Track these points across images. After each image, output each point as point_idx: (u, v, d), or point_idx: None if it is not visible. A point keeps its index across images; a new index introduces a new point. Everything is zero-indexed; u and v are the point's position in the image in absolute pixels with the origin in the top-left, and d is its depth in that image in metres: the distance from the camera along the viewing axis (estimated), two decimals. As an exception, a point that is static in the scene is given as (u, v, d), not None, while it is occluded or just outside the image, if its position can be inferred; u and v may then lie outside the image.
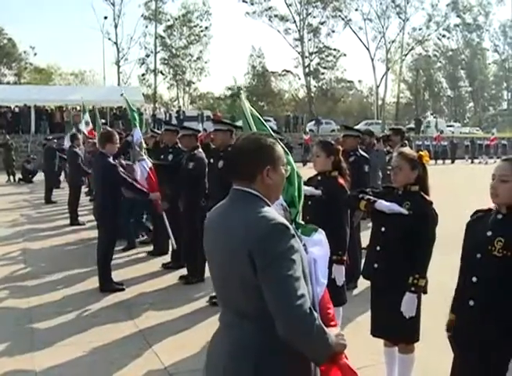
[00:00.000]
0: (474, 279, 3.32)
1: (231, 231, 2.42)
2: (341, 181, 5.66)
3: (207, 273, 8.25)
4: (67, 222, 13.78)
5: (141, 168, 8.81)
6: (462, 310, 3.40)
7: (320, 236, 3.07)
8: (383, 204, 4.41)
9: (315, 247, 2.96)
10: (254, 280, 2.32)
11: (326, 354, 2.39)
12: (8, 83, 63.59)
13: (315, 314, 2.30)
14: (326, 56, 73.27)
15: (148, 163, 8.83)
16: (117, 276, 8.43)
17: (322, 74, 75.23)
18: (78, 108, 22.06)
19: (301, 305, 2.24)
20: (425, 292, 4.44)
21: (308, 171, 5.93)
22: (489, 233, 3.30)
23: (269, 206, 2.50)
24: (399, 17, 67.91)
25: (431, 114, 79.82)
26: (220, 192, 6.92)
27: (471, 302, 3.31)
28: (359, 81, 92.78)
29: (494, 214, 3.40)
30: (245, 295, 2.40)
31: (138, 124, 9.75)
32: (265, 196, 2.52)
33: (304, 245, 2.81)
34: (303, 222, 3.17)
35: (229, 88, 75.24)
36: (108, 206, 7.92)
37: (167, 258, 9.69)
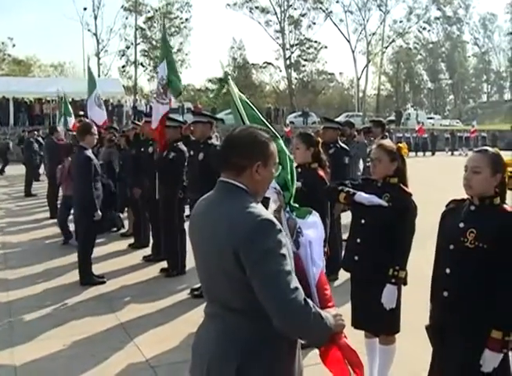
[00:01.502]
0: (448, 270, 3.36)
1: (216, 225, 2.43)
2: (321, 173, 5.68)
3: (188, 266, 8.32)
4: (47, 215, 13.69)
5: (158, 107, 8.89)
6: (437, 301, 3.45)
7: (314, 218, 3.10)
8: (362, 196, 4.42)
9: (310, 230, 3.00)
10: (239, 274, 2.34)
11: (325, 337, 2.47)
12: None
13: (311, 303, 2.33)
14: (307, 48, 73.21)
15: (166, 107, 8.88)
16: (97, 269, 8.40)
17: (303, 66, 75.21)
18: (58, 100, 21.88)
19: (295, 299, 2.27)
20: (405, 284, 4.46)
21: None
22: (462, 225, 3.34)
23: (256, 201, 2.50)
24: (380, 9, 68.16)
25: (412, 106, 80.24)
26: (200, 184, 7.02)
27: (445, 293, 3.35)
28: (340, 74, 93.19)
29: (467, 205, 3.44)
30: (230, 288, 2.41)
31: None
32: (252, 190, 2.52)
33: (299, 228, 2.85)
34: (297, 205, 3.18)
35: (210, 80, 75.09)
36: (86, 199, 7.88)
37: (148, 251, 9.69)
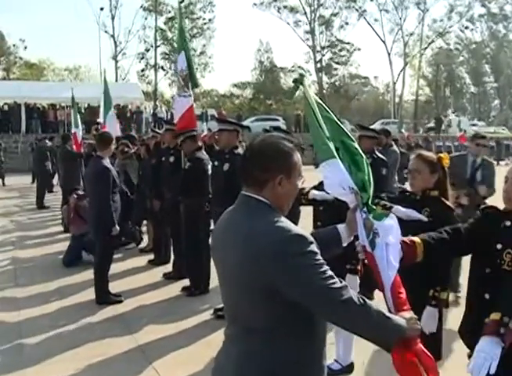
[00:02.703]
0: (487, 296, 3.28)
1: (241, 240, 2.45)
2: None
3: (212, 284, 8.33)
4: (61, 228, 13.83)
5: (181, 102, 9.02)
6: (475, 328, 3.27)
7: (391, 221, 3.13)
8: (400, 211, 4.39)
9: (387, 232, 3.03)
10: (265, 292, 2.38)
11: (394, 338, 2.53)
12: None
13: (368, 301, 2.42)
14: (339, 50, 73.06)
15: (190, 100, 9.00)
16: (114, 287, 8.46)
17: (335, 69, 75.05)
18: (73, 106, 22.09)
19: (348, 299, 2.36)
20: (447, 306, 4.41)
21: (319, 175, 5.92)
22: (499, 246, 3.26)
23: (281, 216, 2.52)
24: (418, 8, 67.91)
25: (453, 112, 79.50)
26: (225, 197, 7.02)
27: (486, 320, 3.14)
28: (375, 78, 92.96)
29: (502, 218, 3.35)
30: (253, 306, 2.45)
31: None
32: (275, 204, 2.54)
33: (375, 229, 2.90)
34: (374, 207, 3.20)
35: (235, 85, 75.38)
36: (103, 212, 7.95)
37: (168, 268, 9.73)
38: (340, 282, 2.39)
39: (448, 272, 4.31)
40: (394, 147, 11.72)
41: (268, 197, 2.52)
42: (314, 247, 2.40)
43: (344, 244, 3.07)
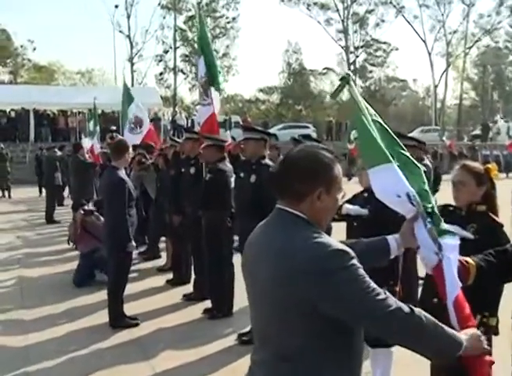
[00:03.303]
0: None
1: (275, 255, 2.48)
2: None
3: (236, 307, 8.34)
4: (71, 245, 13.87)
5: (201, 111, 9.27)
6: None
7: (454, 240, 3.15)
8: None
9: (449, 247, 3.05)
10: (301, 312, 2.41)
11: (446, 351, 2.62)
12: (2, 83, 62.94)
13: (418, 311, 2.51)
14: (375, 50, 72.97)
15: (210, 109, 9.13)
16: (130, 309, 8.49)
17: (370, 71, 75.00)
18: (86, 112, 22.28)
19: (397, 310, 2.43)
20: (496, 333, 4.36)
21: (353, 187, 5.92)
22: None
23: (320, 231, 2.55)
24: (463, 2, 67.32)
25: (502, 118, 78.55)
26: (252, 211, 7.04)
27: None
28: (414, 80, 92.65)
29: None
30: (286, 325, 2.47)
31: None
32: (313, 219, 2.56)
33: (438, 244, 3.01)
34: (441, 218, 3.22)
35: (261, 90, 75.48)
36: (118, 228, 7.99)
37: (189, 288, 9.75)
38: (385, 293, 2.44)
39: (497, 297, 4.26)
40: (426, 161, 11.66)
41: (306, 211, 2.56)
42: (356, 262, 2.44)
43: (392, 256, 3.13)
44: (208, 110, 8.99)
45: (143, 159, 12.05)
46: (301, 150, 2.66)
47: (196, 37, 10.75)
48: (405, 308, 2.45)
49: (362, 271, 2.44)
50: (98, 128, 17.50)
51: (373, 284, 2.43)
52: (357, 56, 72.15)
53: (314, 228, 2.53)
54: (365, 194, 5.62)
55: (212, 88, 9.31)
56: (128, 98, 15.05)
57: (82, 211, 11.17)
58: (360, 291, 2.39)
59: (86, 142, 17.37)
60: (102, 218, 10.35)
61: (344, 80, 3.44)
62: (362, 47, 72.11)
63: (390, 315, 2.40)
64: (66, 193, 22.69)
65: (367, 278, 2.43)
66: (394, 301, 2.43)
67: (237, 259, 7.92)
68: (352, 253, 2.46)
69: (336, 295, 2.38)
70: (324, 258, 2.38)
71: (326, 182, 2.56)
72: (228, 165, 8.67)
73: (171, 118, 43.77)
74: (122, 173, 8.20)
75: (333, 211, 2.71)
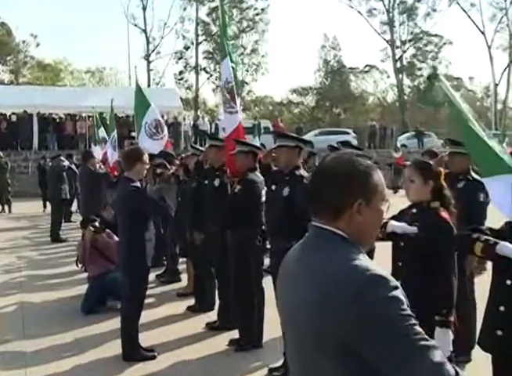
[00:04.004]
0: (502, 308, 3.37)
1: (311, 282, 2.46)
2: (445, 214, 5.60)
3: (266, 337, 8.32)
4: (80, 267, 13.91)
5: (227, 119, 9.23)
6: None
7: None
8: (507, 248, 4.33)
9: None
10: (339, 347, 2.35)
11: None
12: (2, 83, 63.14)
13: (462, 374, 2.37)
14: (425, 44, 72.33)
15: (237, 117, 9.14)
16: (146, 339, 8.52)
17: (419, 69, 74.26)
18: (98, 116, 22.33)
19: (440, 366, 2.29)
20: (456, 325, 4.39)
21: (399, 201, 5.91)
22: None
23: (361, 252, 2.50)
24: (530, -13, 65.99)
25: None
26: (284, 228, 7.04)
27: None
28: (470, 79, 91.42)
29: None
30: (325, 363, 2.42)
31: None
32: (354, 237, 2.53)
33: None
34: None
35: (294, 91, 75.43)
36: (134, 246, 8.03)
37: (212, 316, 9.77)
38: (432, 345, 2.32)
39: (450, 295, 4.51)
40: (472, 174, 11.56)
41: (345, 228, 2.52)
42: (399, 293, 2.35)
43: None
44: (235, 120, 8.98)
45: (159, 170, 12.01)
46: (333, 158, 2.65)
47: (220, 31, 10.65)
48: (451, 369, 2.30)
49: (405, 307, 2.34)
50: (115, 133, 17.59)
51: (417, 327, 2.31)
52: (404, 51, 71.62)
53: (354, 248, 2.50)
54: (414, 210, 5.58)
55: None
56: (141, 100, 15.06)
57: (92, 228, 11.16)
58: (400, 331, 2.29)
59: (97, 151, 17.50)
60: (115, 237, 10.40)
61: (434, 78, 3.42)
62: (410, 41, 71.43)
63: (430, 371, 2.27)
64: (74, 207, 22.85)
65: (411, 318, 2.33)
66: (439, 355, 2.30)
67: (268, 283, 7.96)
68: (395, 281, 2.38)
69: (369, 332, 2.29)
70: (361, 285, 2.32)
71: (364, 192, 2.53)
72: (259, 176, 8.60)
73: (192, 123, 43.74)
74: (137, 185, 8.24)
75: (378, 226, 2.67)
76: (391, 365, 2.30)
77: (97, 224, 11.29)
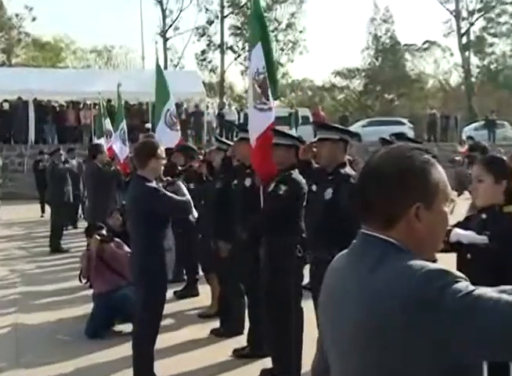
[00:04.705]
0: None
1: (360, 300, 2.43)
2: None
3: (305, 367, 8.30)
4: (84, 282, 13.92)
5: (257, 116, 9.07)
6: None
7: None
8: None
9: None
10: (399, 364, 2.33)
11: None
12: None
13: None
14: (497, 14, 71.26)
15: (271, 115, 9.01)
16: (162, 368, 8.52)
17: (491, 45, 73.40)
18: (105, 104, 22.34)
19: None
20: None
21: (465, 204, 5.90)
22: None
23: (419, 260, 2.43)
24: None
25: None
26: (327, 237, 7.03)
27: None
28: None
29: None
30: None
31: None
32: (412, 248, 2.48)
33: None
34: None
35: (338, 73, 75.09)
36: (150, 257, 8.03)
37: (241, 341, 9.79)
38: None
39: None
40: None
41: (402, 236, 2.49)
42: (466, 281, 2.30)
43: None
44: (268, 118, 8.89)
45: (178, 169, 11.99)
46: (384, 153, 2.61)
47: (251, 7, 10.56)
48: None
49: (472, 287, 2.28)
50: (124, 124, 17.62)
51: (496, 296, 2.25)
52: (471, 24, 70.85)
53: (410, 256, 2.42)
54: (483, 215, 5.56)
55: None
56: (163, 83, 15.12)
57: (98, 237, 11.06)
58: (483, 302, 2.21)
59: (103, 144, 17.54)
60: (126, 247, 10.44)
61: None
62: (479, 11, 70.61)
63: None
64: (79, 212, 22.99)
65: (485, 289, 2.28)
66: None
67: (307, 301, 7.95)
68: (459, 273, 2.35)
69: (458, 327, 2.22)
70: (421, 283, 2.28)
71: (423, 193, 2.49)
72: (299, 175, 8.44)
73: (217, 112, 43.68)
74: (153, 185, 8.21)
75: (442, 232, 2.63)
76: (494, 347, 2.24)
77: (104, 232, 11.31)
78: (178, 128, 14.97)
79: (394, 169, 2.51)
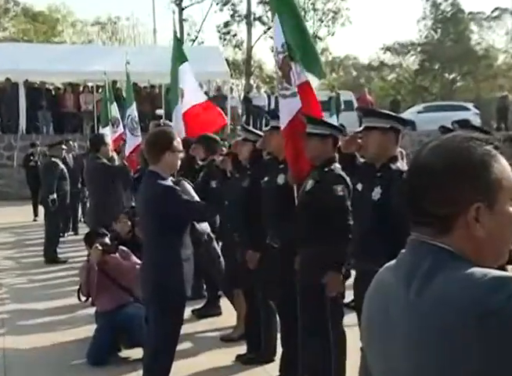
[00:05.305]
0: None
1: (413, 319, 2.42)
2: None
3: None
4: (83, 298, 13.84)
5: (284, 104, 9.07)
6: None
7: None
8: None
9: None
10: None
11: None
12: None
13: None
14: None
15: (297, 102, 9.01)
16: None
17: None
18: (108, 87, 22.25)
19: None
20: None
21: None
22: None
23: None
24: None
25: None
26: (375, 244, 7.03)
27: None
28: None
29: None
30: None
31: None
32: (472, 256, 2.46)
33: None
34: None
35: (388, 49, 74.77)
36: (165, 269, 8.04)
37: (274, 369, 9.75)
38: None
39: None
40: None
41: (459, 243, 2.47)
42: None
43: None
44: (296, 104, 8.86)
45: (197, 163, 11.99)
46: (435, 145, 2.57)
47: None
48: None
49: None
50: (134, 110, 17.67)
51: None
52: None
53: (470, 266, 2.39)
54: None
55: (298, 68, 9.06)
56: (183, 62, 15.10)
57: (100, 247, 10.78)
58: None
59: (108, 135, 17.58)
60: (133, 257, 10.46)
61: None
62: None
63: None
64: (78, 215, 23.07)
65: None
66: None
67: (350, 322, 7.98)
68: None
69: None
70: (484, 293, 2.25)
71: (484, 191, 2.45)
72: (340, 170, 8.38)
73: (243, 96, 43.56)
74: (168, 183, 8.18)
75: (508, 238, 2.56)
76: None
77: (107, 240, 11.23)
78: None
79: (447, 164, 2.47)
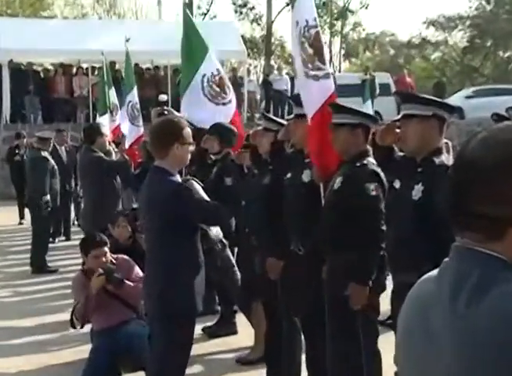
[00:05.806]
0: None
1: (474, 329, 2.39)
2: None
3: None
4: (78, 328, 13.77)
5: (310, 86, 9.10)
6: None
7: None
8: None
9: None
10: None
11: None
12: None
13: None
14: None
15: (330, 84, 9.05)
16: None
17: None
18: (105, 69, 22.24)
19: None
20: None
21: None
22: None
23: None
24: None
25: None
26: (415, 252, 7.05)
27: None
28: None
29: None
30: None
31: None
32: None
33: None
34: None
35: (432, 23, 74.66)
36: (173, 279, 8.00)
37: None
38: None
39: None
40: None
41: (510, 251, 2.46)
42: None
43: None
44: (327, 88, 8.83)
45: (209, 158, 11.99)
46: (484, 137, 2.53)
47: None
48: None
49: None
50: (135, 95, 17.71)
51: None
52: None
53: None
54: None
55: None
56: (194, 38, 15.05)
57: (102, 272, 10.36)
58: None
59: (106, 124, 17.64)
60: (136, 269, 10.46)
61: None
62: None
63: None
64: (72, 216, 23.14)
65: None
66: None
67: (386, 341, 8.01)
68: None
69: None
70: None
71: None
72: (375, 164, 8.34)
73: (262, 78, 43.55)
74: (176, 179, 8.16)
75: None
76: None
77: (108, 254, 10.84)
78: (228, 99, 14.66)
79: (499, 159, 2.43)
